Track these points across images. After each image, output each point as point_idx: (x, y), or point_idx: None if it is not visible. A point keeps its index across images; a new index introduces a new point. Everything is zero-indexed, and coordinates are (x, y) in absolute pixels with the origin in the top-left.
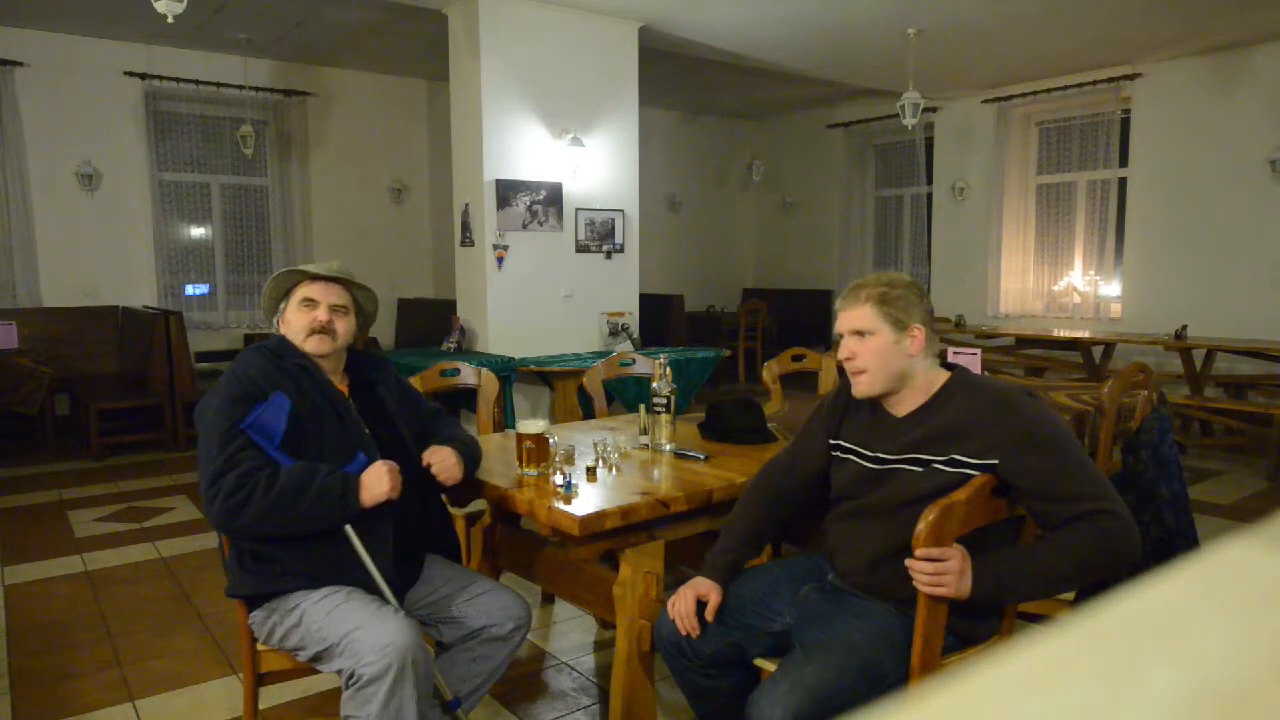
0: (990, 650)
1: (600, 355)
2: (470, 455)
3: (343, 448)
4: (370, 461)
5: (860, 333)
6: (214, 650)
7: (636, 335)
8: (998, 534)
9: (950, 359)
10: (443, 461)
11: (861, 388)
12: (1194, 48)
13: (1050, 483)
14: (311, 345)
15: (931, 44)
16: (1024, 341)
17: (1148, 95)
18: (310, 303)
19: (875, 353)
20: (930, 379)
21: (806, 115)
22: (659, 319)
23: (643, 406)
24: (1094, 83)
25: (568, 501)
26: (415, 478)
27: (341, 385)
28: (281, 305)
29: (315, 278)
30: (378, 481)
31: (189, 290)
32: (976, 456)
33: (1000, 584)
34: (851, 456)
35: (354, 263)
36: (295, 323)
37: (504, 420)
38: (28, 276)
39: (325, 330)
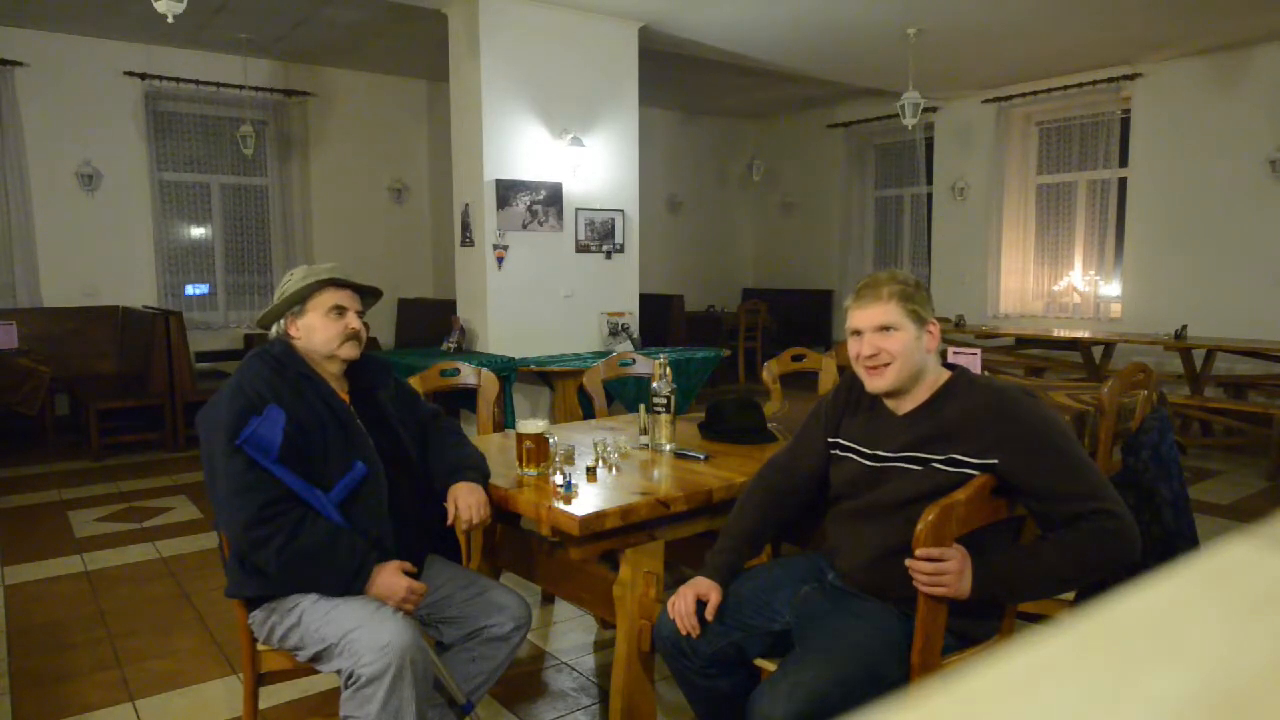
0: (990, 650)
1: (600, 355)
2: (483, 475)
3: (344, 456)
4: (369, 469)
5: (886, 328)
6: (214, 650)
7: (636, 335)
8: (998, 534)
9: (950, 359)
10: (467, 507)
11: (884, 382)
12: (1194, 48)
13: (1050, 482)
14: (347, 351)
15: (931, 44)
16: (1024, 341)
17: (1148, 95)
18: (342, 310)
19: (901, 348)
20: (934, 377)
21: (806, 115)
22: (659, 319)
23: (643, 406)
24: (1094, 83)
25: (568, 501)
26: (414, 479)
27: (343, 392)
28: (296, 308)
29: (342, 285)
30: (392, 592)
31: (189, 290)
32: (976, 456)
33: (1000, 584)
34: (851, 455)
35: (354, 263)
36: (325, 330)
37: (504, 420)
38: (28, 276)
39: (357, 336)
